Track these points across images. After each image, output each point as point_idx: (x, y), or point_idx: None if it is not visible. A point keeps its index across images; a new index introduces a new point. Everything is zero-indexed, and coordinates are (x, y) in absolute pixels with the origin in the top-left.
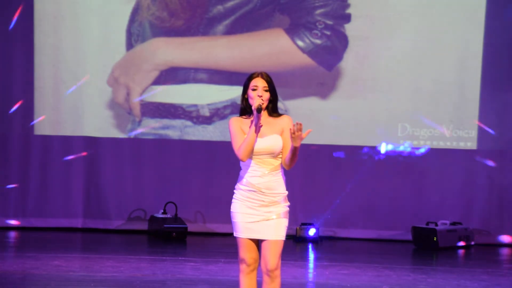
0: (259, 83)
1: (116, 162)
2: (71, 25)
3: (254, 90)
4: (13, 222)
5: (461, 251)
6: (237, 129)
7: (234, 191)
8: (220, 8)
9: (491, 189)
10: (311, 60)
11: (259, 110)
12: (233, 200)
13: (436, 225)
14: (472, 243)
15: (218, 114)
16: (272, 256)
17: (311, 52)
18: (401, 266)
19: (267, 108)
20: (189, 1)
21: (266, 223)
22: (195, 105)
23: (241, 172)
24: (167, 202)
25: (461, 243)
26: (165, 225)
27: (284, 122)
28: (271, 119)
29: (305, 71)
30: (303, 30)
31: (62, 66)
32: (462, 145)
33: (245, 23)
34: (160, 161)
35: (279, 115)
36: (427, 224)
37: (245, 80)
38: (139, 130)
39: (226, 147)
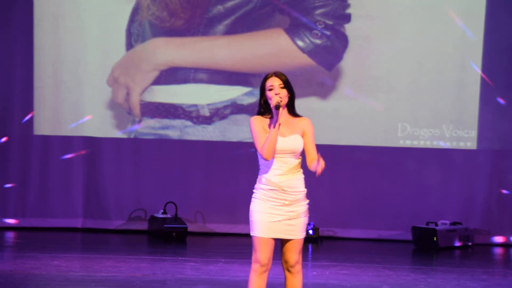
0: (274, 82)
1: (116, 162)
2: (71, 25)
3: (270, 90)
4: (13, 222)
5: (461, 251)
6: (259, 127)
7: (254, 191)
8: (220, 8)
9: (491, 189)
10: (311, 60)
11: (277, 107)
12: (253, 199)
13: (436, 225)
14: (472, 243)
15: (218, 114)
16: (293, 253)
17: (311, 52)
18: (401, 266)
19: (286, 106)
20: (189, 1)
21: (288, 222)
22: (195, 105)
23: (261, 172)
24: (167, 202)
25: (461, 243)
26: (165, 225)
27: (304, 124)
28: (291, 118)
29: (305, 71)
30: (303, 30)
31: (62, 66)
32: (462, 145)
33: (245, 23)
34: (160, 161)
35: (299, 116)
36: (427, 224)
37: (261, 83)
38: (139, 130)
39: (226, 147)
